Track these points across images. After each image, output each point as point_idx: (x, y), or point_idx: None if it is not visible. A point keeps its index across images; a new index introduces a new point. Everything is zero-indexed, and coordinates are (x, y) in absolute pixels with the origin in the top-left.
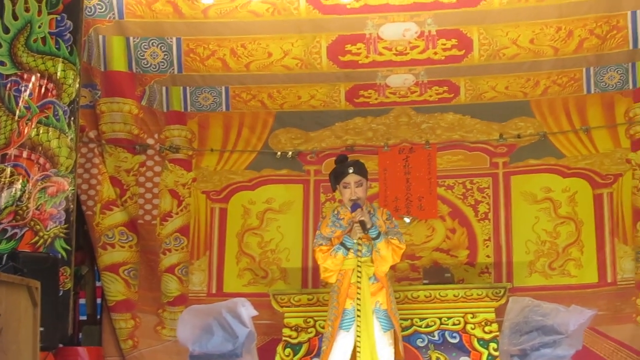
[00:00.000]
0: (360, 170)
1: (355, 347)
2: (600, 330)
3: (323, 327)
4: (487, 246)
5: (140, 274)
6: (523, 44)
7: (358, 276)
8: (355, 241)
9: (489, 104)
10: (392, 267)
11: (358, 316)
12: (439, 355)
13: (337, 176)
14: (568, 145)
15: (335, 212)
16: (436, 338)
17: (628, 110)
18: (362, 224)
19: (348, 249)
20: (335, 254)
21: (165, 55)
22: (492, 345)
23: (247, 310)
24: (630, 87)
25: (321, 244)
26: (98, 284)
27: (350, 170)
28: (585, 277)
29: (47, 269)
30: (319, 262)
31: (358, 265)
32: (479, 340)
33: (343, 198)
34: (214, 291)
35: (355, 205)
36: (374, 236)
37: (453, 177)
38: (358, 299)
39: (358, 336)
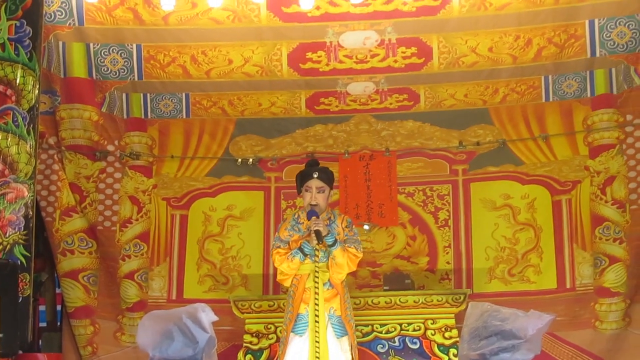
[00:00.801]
0: (326, 177)
1: (313, 351)
2: (560, 335)
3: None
4: (447, 253)
5: (99, 280)
6: (482, 52)
7: (315, 281)
8: (313, 247)
9: (448, 112)
10: (353, 274)
11: (316, 322)
12: None
13: (302, 178)
14: (527, 153)
15: (296, 216)
16: (397, 344)
17: (586, 118)
18: (317, 233)
19: (306, 255)
20: (292, 259)
21: (125, 61)
22: (452, 350)
23: (207, 316)
24: (589, 95)
25: (279, 247)
26: (58, 290)
27: (315, 175)
28: (544, 283)
29: (6, 275)
30: (275, 265)
31: (315, 271)
32: (439, 346)
33: (304, 201)
34: (174, 297)
35: (311, 213)
36: (329, 243)
37: (413, 184)
38: (316, 304)
39: (317, 341)
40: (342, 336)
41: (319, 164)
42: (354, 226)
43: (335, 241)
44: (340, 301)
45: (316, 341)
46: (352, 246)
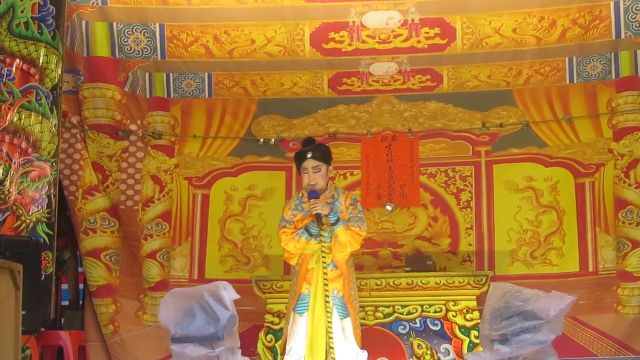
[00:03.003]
0: (320, 155)
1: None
2: (581, 319)
3: None
4: (469, 235)
5: (121, 259)
6: (506, 33)
7: (324, 262)
8: (318, 228)
9: (471, 93)
10: (374, 254)
11: (327, 302)
12: (420, 342)
13: (298, 160)
14: (550, 135)
15: (300, 195)
16: (418, 325)
17: (610, 100)
18: (317, 216)
19: (312, 235)
20: (299, 239)
21: (148, 41)
22: (474, 332)
23: (229, 294)
24: (613, 77)
25: (285, 226)
26: (80, 269)
27: (309, 155)
28: (567, 266)
29: (28, 252)
30: (282, 244)
31: (323, 251)
32: (460, 327)
33: (303, 183)
34: (195, 277)
35: (311, 194)
36: (332, 222)
37: (435, 165)
38: (325, 284)
39: (329, 322)
40: (344, 317)
41: (313, 142)
42: (358, 204)
43: (338, 220)
44: (343, 282)
45: (328, 321)
46: (355, 225)
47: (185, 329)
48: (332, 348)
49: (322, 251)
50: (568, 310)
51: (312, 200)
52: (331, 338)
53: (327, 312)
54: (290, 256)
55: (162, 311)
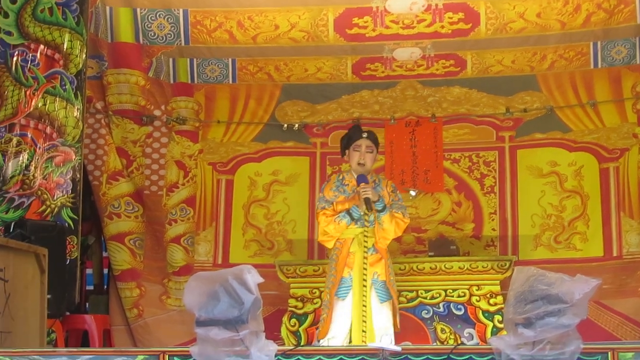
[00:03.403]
0: (374, 138)
1: (358, 315)
2: (605, 303)
3: None
4: (492, 219)
5: (145, 244)
6: (530, 17)
7: (365, 246)
8: (362, 213)
9: (495, 78)
10: (398, 239)
11: (364, 286)
12: (443, 327)
13: (349, 139)
14: (574, 120)
15: (341, 177)
16: (441, 310)
17: (635, 84)
18: (367, 201)
19: (353, 219)
20: (340, 221)
21: (172, 27)
22: (497, 317)
23: (253, 277)
24: (638, 61)
25: (324, 207)
26: (105, 254)
27: (364, 135)
28: (591, 251)
29: (53, 237)
30: (320, 225)
31: (365, 236)
32: (484, 312)
33: (351, 162)
34: (219, 262)
35: (360, 178)
36: (379, 209)
37: (459, 151)
38: (364, 268)
39: (364, 305)
40: (385, 301)
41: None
42: (398, 191)
43: (385, 207)
44: (384, 265)
45: (363, 305)
46: (399, 212)
47: (209, 312)
48: (365, 332)
49: (364, 235)
50: (592, 294)
51: (362, 184)
52: (364, 322)
53: (364, 295)
54: (328, 239)
55: (186, 295)
